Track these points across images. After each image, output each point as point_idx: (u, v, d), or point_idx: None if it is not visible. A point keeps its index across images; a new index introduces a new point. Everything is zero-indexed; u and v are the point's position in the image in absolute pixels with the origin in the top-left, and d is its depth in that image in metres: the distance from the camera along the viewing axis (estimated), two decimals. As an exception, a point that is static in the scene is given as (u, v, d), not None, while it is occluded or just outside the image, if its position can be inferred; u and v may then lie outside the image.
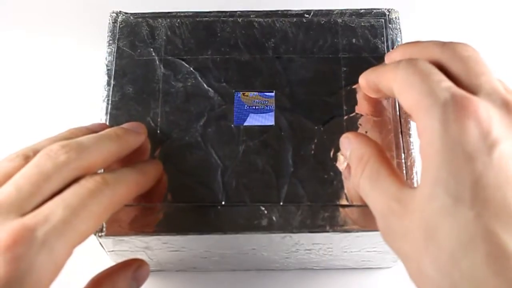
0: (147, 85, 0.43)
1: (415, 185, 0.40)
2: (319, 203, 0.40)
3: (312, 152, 0.41)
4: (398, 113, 0.42)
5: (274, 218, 0.39)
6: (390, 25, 0.45)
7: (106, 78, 0.44)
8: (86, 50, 0.55)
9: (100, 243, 0.41)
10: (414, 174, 0.40)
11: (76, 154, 0.31)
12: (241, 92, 0.43)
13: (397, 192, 0.29)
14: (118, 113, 0.43)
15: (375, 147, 0.33)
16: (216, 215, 0.40)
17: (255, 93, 0.43)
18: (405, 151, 0.41)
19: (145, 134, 0.38)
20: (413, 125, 0.41)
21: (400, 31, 0.45)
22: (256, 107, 0.42)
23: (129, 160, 0.37)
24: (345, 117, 0.42)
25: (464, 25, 0.57)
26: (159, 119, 0.42)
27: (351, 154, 0.34)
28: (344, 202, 0.40)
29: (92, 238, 0.40)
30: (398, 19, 0.45)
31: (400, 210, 0.28)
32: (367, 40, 0.44)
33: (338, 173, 0.40)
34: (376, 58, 0.44)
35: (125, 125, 0.38)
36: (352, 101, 0.43)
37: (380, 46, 0.44)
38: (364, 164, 0.32)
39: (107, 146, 0.34)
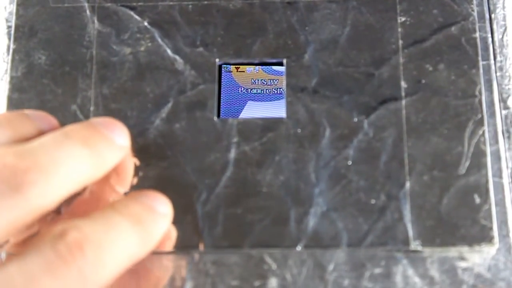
0: (71, 50, 0.36)
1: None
2: (363, 247, 0.32)
3: (350, 162, 0.33)
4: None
5: (287, 276, 0.33)
6: None
7: (6, 40, 0.37)
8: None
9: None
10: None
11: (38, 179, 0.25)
12: (234, 66, 0.36)
13: None
14: (22, 98, 0.35)
15: None
16: (189, 270, 0.33)
17: (256, 67, 0.36)
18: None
19: (128, 141, 0.31)
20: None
21: None
22: (261, 91, 0.35)
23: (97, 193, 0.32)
24: (405, 100, 0.34)
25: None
26: (92, 108, 0.35)
27: None
28: (409, 246, 0.32)
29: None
30: None
31: None
32: None
33: (392, 196, 0.33)
34: None
35: (94, 121, 0.30)
36: (416, 73, 0.35)
37: None
38: None
39: (75, 164, 0.27)
